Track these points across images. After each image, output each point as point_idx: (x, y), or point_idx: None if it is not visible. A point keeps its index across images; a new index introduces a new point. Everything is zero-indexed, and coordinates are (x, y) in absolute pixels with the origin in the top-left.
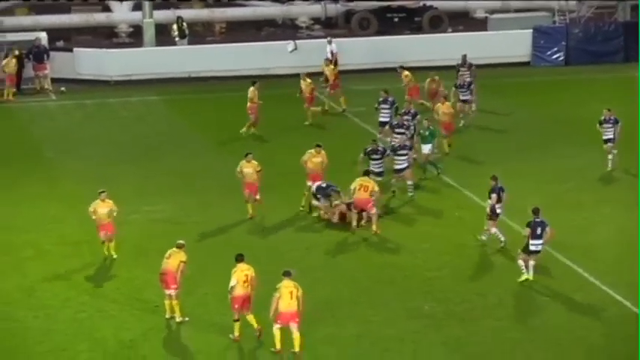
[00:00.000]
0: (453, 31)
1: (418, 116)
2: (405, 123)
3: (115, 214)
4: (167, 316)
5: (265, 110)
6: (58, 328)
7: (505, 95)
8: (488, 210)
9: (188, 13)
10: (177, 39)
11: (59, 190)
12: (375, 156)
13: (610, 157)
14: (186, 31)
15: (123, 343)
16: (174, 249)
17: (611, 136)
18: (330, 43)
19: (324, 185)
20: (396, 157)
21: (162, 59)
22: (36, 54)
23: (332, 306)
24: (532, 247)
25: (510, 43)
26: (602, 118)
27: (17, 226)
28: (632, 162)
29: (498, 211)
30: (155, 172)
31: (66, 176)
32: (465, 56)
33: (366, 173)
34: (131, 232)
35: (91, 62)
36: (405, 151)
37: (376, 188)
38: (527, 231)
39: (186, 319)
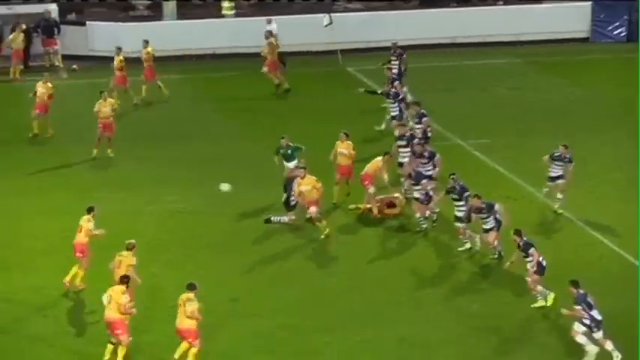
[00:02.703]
0: (504, 4)
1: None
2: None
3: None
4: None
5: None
6: (69, 330)
7: (560, 74)
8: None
9: None
10: (229, 12)
11: (68, 179)
12: (453, 196)
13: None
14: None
15: (139, 346)
16: (124, 252)
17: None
18: (269, 22)
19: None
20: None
21: (183, 34)
22: (45, 28)
23: (372, 307)
24: (544, 262)
25: (567, 17)
26: (557, 154)
27: (23, 217)
28: None
29: (598, 317)
30: (175, 158)
31: (76, 163)
32: (394, 44)
33: None
34: (148, 225)
35: (106, 37)
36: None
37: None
38: (536, 254)
39: None
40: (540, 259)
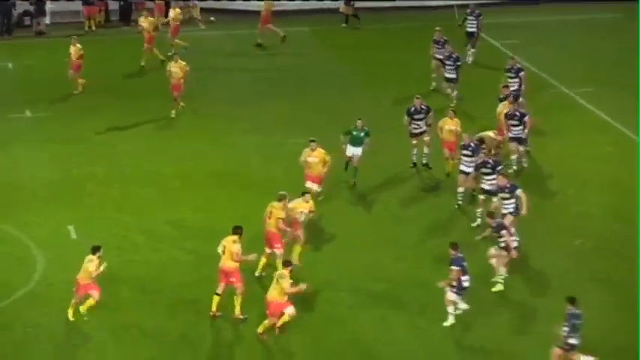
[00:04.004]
0: None
1: None
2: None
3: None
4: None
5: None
6: (207, 262)
7: None
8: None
9: None
10: None
11: (204, 125)
12: (484, 170)
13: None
14: None
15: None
16: (275, 203)
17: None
18: None
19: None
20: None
21: None
22: None
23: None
24: (514, 244)
25: None
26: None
27: (164, 158)
28: None
29: (465, 284)
30: (302, 107)
31: (213, 112)
32: (473, 4)
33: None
34: (280, 169)
35: None
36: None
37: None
38: (507, 235)
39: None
40: (512, 239)
